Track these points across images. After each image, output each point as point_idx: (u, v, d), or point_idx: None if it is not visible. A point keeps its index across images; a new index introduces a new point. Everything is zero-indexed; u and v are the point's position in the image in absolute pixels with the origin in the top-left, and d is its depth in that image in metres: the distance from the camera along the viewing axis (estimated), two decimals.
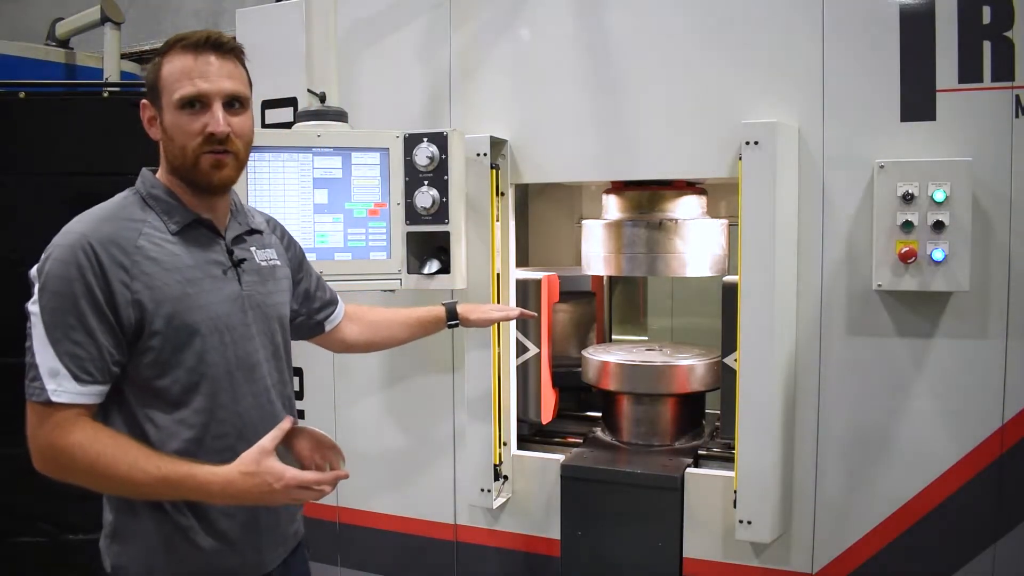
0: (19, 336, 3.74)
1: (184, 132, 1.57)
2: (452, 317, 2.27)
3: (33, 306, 1.50)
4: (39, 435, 1.51)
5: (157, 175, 1.67)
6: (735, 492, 2.45)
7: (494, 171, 2.69)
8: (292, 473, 1.53)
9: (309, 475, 1.55)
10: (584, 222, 3.05)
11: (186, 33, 1.59)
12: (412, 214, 2.60)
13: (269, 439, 1.56)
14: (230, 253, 1.68)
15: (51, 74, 4.93)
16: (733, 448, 2.49)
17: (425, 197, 2.56)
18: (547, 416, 2.99)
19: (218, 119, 1.57)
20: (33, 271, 1.52)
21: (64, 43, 5.11)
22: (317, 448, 1.72)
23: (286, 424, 1.62)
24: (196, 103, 1.56)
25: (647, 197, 2.85)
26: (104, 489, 1.57)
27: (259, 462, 1.52)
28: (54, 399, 1.47)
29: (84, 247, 1.49)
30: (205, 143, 1.57)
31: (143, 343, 1.54)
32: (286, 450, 1.68)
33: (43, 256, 1.53)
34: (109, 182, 3.35)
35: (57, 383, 1.47)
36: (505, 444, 2.83)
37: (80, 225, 1.54)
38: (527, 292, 2.88)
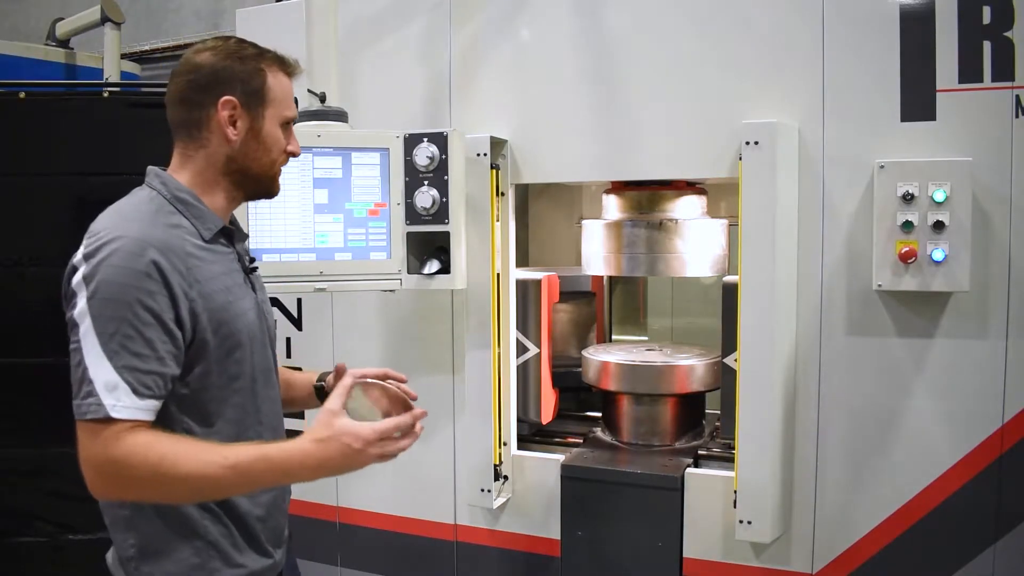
0: (19, 337, 3.71)
1: (279, 146, 1.65)
2: (322, 380, 1.89)
3: (82, 316, 1.38)
4: (94, 453, 1.38)
5: (177, 177, 1.59)
6: (735, 492, 2.45)
7: (494, 171, 2.69)
8: (368, 428, 1.43)
9: (388, 423, 1.47)
10: (584, 222, 3.05)
11: (282, 54, 1.66)
12: (412, 214, 2.60)
13: (335, 400, 1.48)
14: (241, 259, 1.67)
15: (51, 74, 4.93)
16: (733, 448, 2.49)
17: (425, 197, 2.56)
18: (547, 416, 2.99)
19: (297, 142, 1.69)
20: (78, 278, 1.41)
21: (64, 43, 5.12)
22: (392, 401, 1.65)
23: (347, 381, 1.53)
24: (288, 124, 1.67)
25: (647, 197, 2.86)
26: (172, 496, 1.45)
27: (331, 425, 1.43)
28: (113, 415, 1.36)
29: (143, 252, 1.41)
30: (285, 159, 1.68)
31: (193, 354, 1.48)
32: (367, 406, 1.59)
33: (87, 261, 1.41)
34: (109, 182, 3.36)
35: (115, 397, 1.36)
36: (505, 444, 2.83)
37: (130, 228, 1.45)
38: (527, 292, 2.88)
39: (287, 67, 1.65)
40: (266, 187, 1.67)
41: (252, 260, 1.71)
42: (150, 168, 1.61)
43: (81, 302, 1.39)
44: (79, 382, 1.38)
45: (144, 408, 1.39)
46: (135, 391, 1.38)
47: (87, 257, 1.41)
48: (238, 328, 1.55)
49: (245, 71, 1.58)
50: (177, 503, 1.49)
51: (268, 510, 1.64)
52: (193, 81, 1.56)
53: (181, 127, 1.59)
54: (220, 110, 1.56)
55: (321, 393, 1.84)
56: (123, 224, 1.46)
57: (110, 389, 1.36)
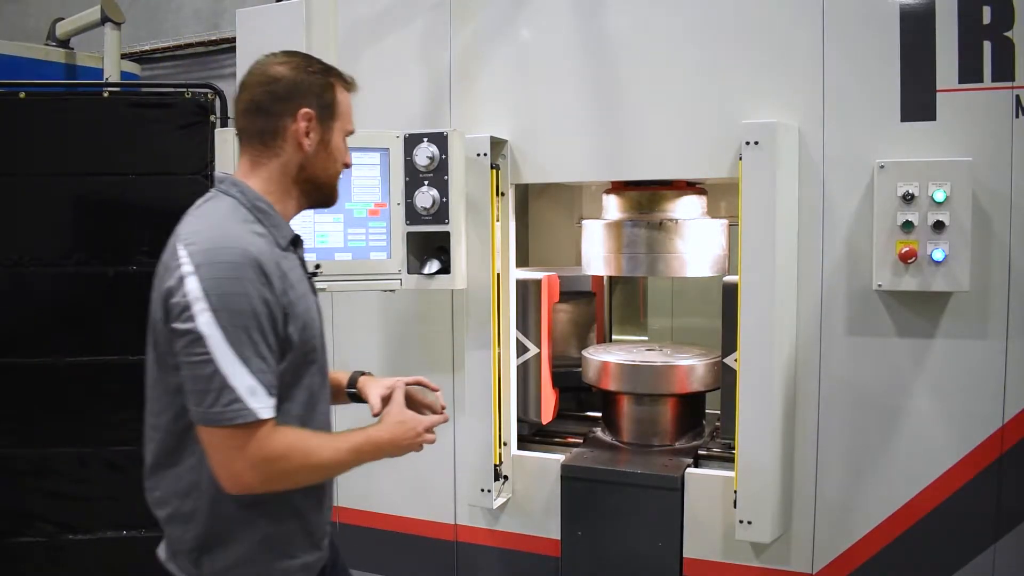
0: (19, 337, 3.69)
1: (343, 158, 1.74)
2: (352, 385, 1.98)
3: (208, 328, 1.42)
4: (247, 454, 1.45)
5: (251, 184, 1.63)
6: (735, 492, 2.45)
7: (494, 171, 2.69)
8: (424, 418, 1.77)
9: (434, 418, 1.80)
10: (584, 222, 3.05)
11: (342, 71, 1.73)
12: (412, 214, 2.60)
13: (400, 398, 1.78)
14: (303, 265, 1.72)
15: (51, 74, 4.92)
16: (733, 448, 2.49)
17: (425, 197, 2.57)
18: (547, 416, 2.99)
19: (350, 155, 1.78)
20: (194, 292, 1.43)
21: (64, 43, 5.11)
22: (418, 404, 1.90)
23: (401, 384, 1.83)
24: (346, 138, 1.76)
25: (647, 197, 2.86)
26: (307, 481, 1.60)
27: (402, 413, 1.74)
28: (262, 416, 1.45)
29: (252, 262, 1.47)
30: (343, 169, 1.76)
31: (280, 356, 1.55)
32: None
33: (198, 273, 1.44)
34: (109, 182, 3.38)
35: (258, 401, 1.45)
36: (505, 444, 2.83)
37: (230, 238, 1.50)
38: (527, 292, 2.88)
39: (348, 84, 1.74)
40: (328, 195, 1.74)
41: (317, 266, 1.78)
42: (224, 175, 1.67)
43: (205, 315, 1.42)
44: (216, 390, 1.43)
45: (275, 407, 1.49)
46: (268, 392, 1.47)
47: (197, 268, 1.45)
48: (313, 333, 1.63)
49: (318, 85, 1.66)
50: (302, 486, 1.60)
51: (322, 505, 1.71)
52: (271, 92, 1.62)
53: (254, 135, 1.64)
54: (298, 120, 1.62)
55: (355, 398, 1.95)
56: (222, 234, 1.51)
57: (252, 393, 1.44)
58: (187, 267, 1.45)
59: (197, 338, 1.42)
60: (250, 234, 1.53)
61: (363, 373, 1.95)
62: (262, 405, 1.45)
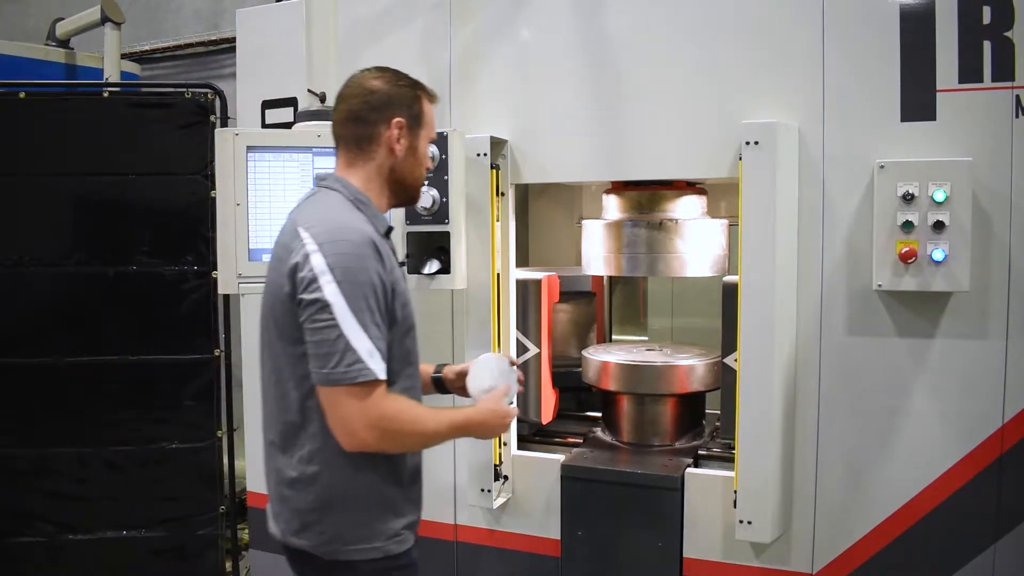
0: (19, 337, 3.68)
1: (426, 163, 1.93)
2: (438, 372, 2.18)
3: (334, 298, 1.61)
4: (366, 411, 1.63)
5: (353, 183, 1.81)
6: (735, 492, 2.45)
7: (494, 171, 2.69)
8: (511, 408, 1.97)
9: (514, 410, 1.99)
10: (584, 222, 3.05)
11: (426, 85, 1.91)
12: (412, 214, 2.60)
13: (500, 387, 1.99)
14: (394, 252, 1.87)
15: (51, 74, 4.92)
16: (733, 448, 2.49)
17: (425, 197, 2.56)
18: (547, 416, 2.99)
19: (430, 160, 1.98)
20: (320, 266, 1.62)
21: (64, 43, 5.10)
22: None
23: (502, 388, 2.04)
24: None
25: (647, 197, 2.86)
26: (414, 445, 1.79)
27: (498, 403, 1.93)
28: (380, 376, 1.63)
29: (368, 242, 1.67)
30: (426, 173, 1.96)
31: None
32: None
33: (322, 250, 1.64)
34: (109, 182, 3.38)
35: (376, 363, 1.63)
36: (505, 444, 2.83)
37: (348, 222, 1.70)
38: (527, 292, 2.88)
39: (431, 97, 1.93)
40: (412, 195, 1.94)
41: (408, 255, 1.96)
42: (327, 174, 1.86)
43: (331, 286, 1.62)
44: (340, 352, 1.61)
45: (386, 371, 1.67)
46: (383, 357, 1.66)
47: (321, 247, 1.65)
48: (410, 312, 1.82)
49: (408, 97, 1.86)
50: (404, 452, 1.79)
51: (418, 476, 1.88)
52: (368, 103, 1.81)
53: (351, 140, 1.83)
54: (391, 128, 1.81)
55: (440, 384, 2.15)
56: (340, 219, 1.72)
57: (371, 356, 1.63)
58: (311, 246, 1.65)
59: (324, 306, 1.61)
60: (360, 221, 1.73)
61: (445, 365, 2.15)
62: (379, 367, 1.63)
